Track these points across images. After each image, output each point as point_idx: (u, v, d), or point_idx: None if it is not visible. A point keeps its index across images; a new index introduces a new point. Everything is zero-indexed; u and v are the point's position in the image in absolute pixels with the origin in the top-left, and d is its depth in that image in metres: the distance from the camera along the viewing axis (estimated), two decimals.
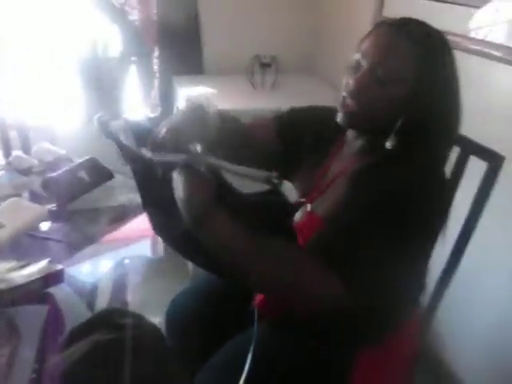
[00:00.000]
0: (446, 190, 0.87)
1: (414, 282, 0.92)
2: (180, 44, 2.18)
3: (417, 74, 0.81)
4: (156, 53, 2.21)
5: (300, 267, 0.75)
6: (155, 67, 2.23)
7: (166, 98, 2.30)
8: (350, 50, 0.90)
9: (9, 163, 1.28)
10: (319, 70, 2.46)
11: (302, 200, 0.96)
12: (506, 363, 1.42)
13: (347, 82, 0.85)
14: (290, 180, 1.03)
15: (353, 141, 0.93)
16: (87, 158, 1.35)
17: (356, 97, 0.83)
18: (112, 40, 2.17)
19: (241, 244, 0.74)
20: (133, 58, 2.23)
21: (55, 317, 0.87)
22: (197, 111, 0.86)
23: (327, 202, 0.90)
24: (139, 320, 0.72)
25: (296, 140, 1.03)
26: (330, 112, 0.97)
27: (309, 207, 0.92)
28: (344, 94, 0.86)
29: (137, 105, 2.33)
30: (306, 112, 1.07)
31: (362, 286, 0.74)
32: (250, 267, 0.74)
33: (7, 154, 1.50)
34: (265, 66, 2.13)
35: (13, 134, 1.69)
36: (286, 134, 1.05)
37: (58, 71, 2.15)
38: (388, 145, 0.83)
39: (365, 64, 0.83)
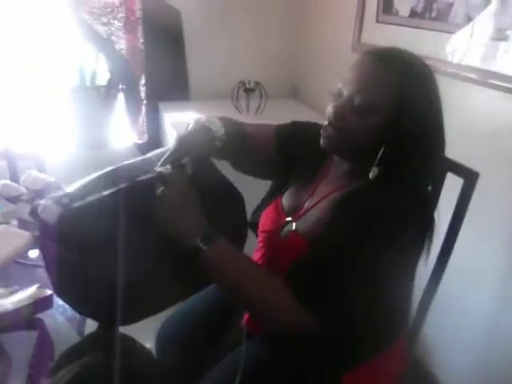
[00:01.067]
0: (429, 210, 0.88)
1: (402, 304, 0.94)
2: (166, 71, 2.22)
3: (395, 103, 0.82)
4: (143, 80, 2.26)
5: (276, 301, 0.81)
6: (142, 94, 2.28)
7: (153, 124, 2.34)
8: (332, 75, 0.94)
9: None
10: (302, 95, 2.53)
11: (287, 219, 0.98)
12: (492, 374, 1.43)
13: (328, 109, 0.88)
14: (284, 193, 1.04)
15: (338, 165, 0.96)
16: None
17: (334, 124, 0.86)
18: (100, 68, 2.21)
19: (236, 269, 0.81)
20: (120, 86, 2.27)
21: (45, 342, 0.87)
22: (204, 125, 0.91)
23: (309, 224, 0.92)
24: (130, 343, 0.73)
25: (291, 154, 1.05)
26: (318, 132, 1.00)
27: (293, 226, 0.95)
28: (326, 119, 0.88)
29: (125, 131, 2.36)
30: (306, 127, 1.08)
31: (337, 324, 0.79)
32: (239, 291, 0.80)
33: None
34: (249, 91, 2.19)
35: (0, 163, 1.70)
36: (283, 147, 1.06)
37: (46, 99, 2.18)
38: (371, 175, 0.85)
39: (345, 92, 0.85)
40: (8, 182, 1.32)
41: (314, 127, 1.07)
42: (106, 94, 2.16)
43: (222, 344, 0.98)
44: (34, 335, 0.86)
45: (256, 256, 1.03)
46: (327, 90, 0.91)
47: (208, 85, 2.36)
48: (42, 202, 0.80)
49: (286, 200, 1.02)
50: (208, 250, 0.78)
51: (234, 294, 0.85)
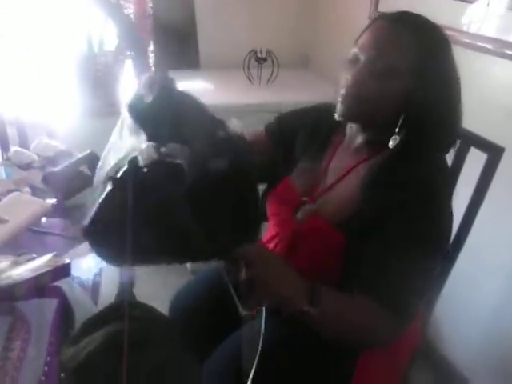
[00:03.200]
0: (451, 183, 0.88)
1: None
2: (176, 38, 2.17)
3: (415, 67, 0.80)
4: (151, 47, 2.21)
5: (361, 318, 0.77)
6: (151, 61, 2.23)
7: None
8: (346, 44, 0.90)
9: (8, 158, 1.27)
10: (315, 65, 2.47)
11: (304, 199, 0.94)
12: (506, 359, 1.44)
13: (345, 76, 0.85)
14: (290, 174, 1.02)
15: (353, 136, 0.93)
16: (87, 152, 1.35)
17: (354, 91, 0.83)
18: (107, 34, 2.15)
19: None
20: (128, 53, 2.21)
21: (64, 310, 0.87)
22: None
23: (332, 204, 0.88)
24: (151, 311, 0.73)
25: (288, 141, 1.03)
26: (325, 108, 0.97)
27: (312, 207, 0.91)
28: (342, 88, 0.85)
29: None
30: (296, 114, 1.07)
31: (410, 313, 0.77)
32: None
33: (6, 149, 1.49)
34: (261, 60, 2.13)
35: (10, 131, 1.68)
36: (278, 137, 1.05)
37: (54, 67, 2.13)
38: (392, 143, 0.83)
39: (362, 58, 0.82)
40: (19, 148, 1.31)
41: (305, 111, 1.06)
42: (114, 60, 2.11)
43: (236, 317, 0.98)
44: (51, 303, 0.86)
45: (268, 237, 1.01)
46: (343, 60, 0.88)
47: (219, 53, 2.31)
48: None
49: (295, 181, 0.99)
50: (316, 312, 0.74)
51: (340, 337, 0.80)
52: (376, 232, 0.78)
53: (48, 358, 0.78)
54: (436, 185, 0.79)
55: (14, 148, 1.30)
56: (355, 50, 0.84)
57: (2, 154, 1.48)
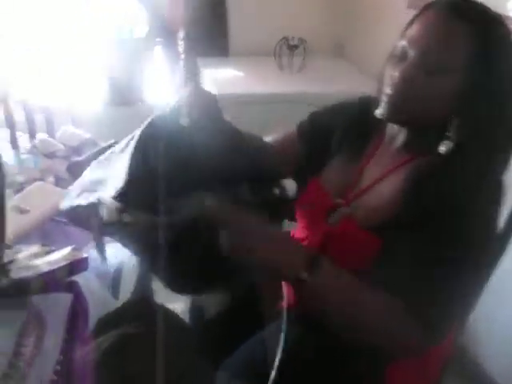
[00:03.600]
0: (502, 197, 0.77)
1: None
2: (206, 25, 2.13)
3: (473, 63, 0.71)
4: (181, 34, 2.17)
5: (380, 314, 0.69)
6: (180, 49, 2.19)
7: (191, 80, 2.26)
8: (383, 34, 0.84)
9: (34, 146, 1.27)
10: (349, 54, 2.38)
11: (338, 201, 0.87)
12: None
13: (391, 72, 0.76)
14: (320, 174, 0.96)
15: (395, 136, 0.85)
16: (112, 141, 1.33)
17: (402, 90, 0.74)
18: (138, 21, 2.13)
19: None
20: (158, 39, 2.19)
21: (80, 305, 0.85)
22: None
23: (370, 206, 0.82)
24: (167, 313, 0.70)
25: (321, 141, 0.96)
26: (364, 103, 0.90)
27: (346, 210, 0.85)
28: (387, 86, 0.77)
29: (161, 87, 2.30)
30: (331, 110, 0.99)
31: (443, 328, 0.70)
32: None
33: (32, 136, 1.49)
34: (292, 48, 2.07)
35: (37, 118, 1.68)
36: (310, 137, 0.98)
37: (82, 53, 2.12)
38: (443, 149, 0.75)
39: (412, 52, 0.74)
40: (45, 137, 1.30)
41: (341, 107, 0.98)
42: (144, 47, 2.09)
43: (258, 319, 0.94)
44: (67, 298, 0.84)
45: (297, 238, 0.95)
46: (376, 50, 0.82)
47: (249, 40, 2.25)
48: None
49: (326, 182, 0.92)
50: (316, 279, 0.66)
51: (345, 323, 0.71)
52: (414, 238, 0.72)
53: (61, 357, 0.76)
54: (485, 198, 0.72)
55: (40, 136, 1.29)
56: (403, 43, 0.75)
57: (30, 141, 1.48)
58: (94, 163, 0.82)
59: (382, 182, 0.83)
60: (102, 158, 0.83)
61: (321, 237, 0.87)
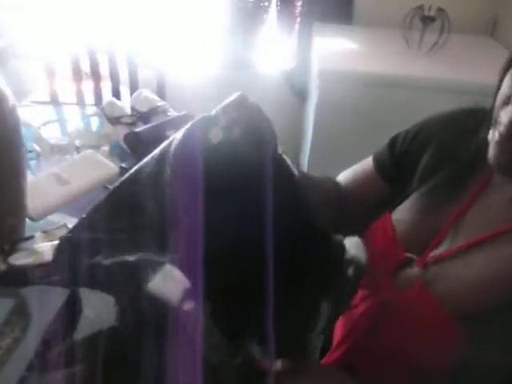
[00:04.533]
0: None
1: None
2: None
3: None
4: None
5: None
6: (297, 11, 1.96)
7: (304, 48, 2.03)
8: None
9: (102, 109, 1.21)
10: (502, 33, 1.90)
11: (411, 257, 0.63)
12: None
13: (508, 117, 0.52)
14: (395, 207, 0.70)
15: (502, 187, 0.59)
16: (183, 113, 1.22)
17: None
18: None
19: None
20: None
21: (73, 304, 0.77)
22: None
23: (463, 280, 0.56)
24: None
25: (405, 174, 0.72)
26: (473, 121, 0.64)
27: (420, 275, 0.60)
28: (504, 125, 0.53)
29: (272, 52, 2.11)
30: (421, 131, 0.73)
31: None
32: None
33: (116, 94, 1.45)
34: (427, 20, 1.70)
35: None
36: (392, 173, 0.75)
37: (188, 12, 2.02)
38: None
39: None
40: (113, 100, 1.23)
41: (440, 121, 0.71)
42: (256, 7, 1.90)
43: None
44: (62, 295, 0.76)
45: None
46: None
47: (377, 8, 1.92)
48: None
49: (399, 223, 0.67)
50: None
51: None
52: None
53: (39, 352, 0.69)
54: None
55: (108, 99, 1.23)
56: None
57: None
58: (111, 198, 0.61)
59: (484, 245, 0.57)
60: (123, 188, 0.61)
61: (379, 302, 0.65)
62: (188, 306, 0.46)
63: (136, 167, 0.58)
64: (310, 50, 1.99)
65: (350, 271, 0.55)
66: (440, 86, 1.55)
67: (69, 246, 0.57)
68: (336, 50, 1.73)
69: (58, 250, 0.61)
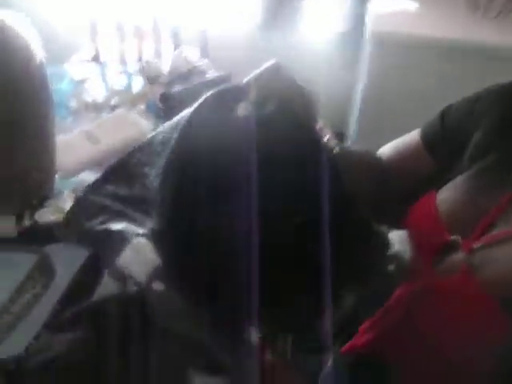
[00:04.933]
0: None
1: None
2: None
3: None
4: None
5: None
6: None
7: (360, 8, 1.91)
8: None
9: (141, 68, 1.18)
10: None
11: (456, 239, 0.59)
12: None
13: None
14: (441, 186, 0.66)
15: None
16: (221, 74, 1.17)
17: None
18: None
19: None
20: None
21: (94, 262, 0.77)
22: None
23: (503, 263, 0.53)
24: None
25: (456, 150, 0.67)
26: None
27: (465, 260, 0.56)
28: None
29: (324, 16, 2.00)
30: (474, 102, 0.68)
31: None
32: None
33: (158, 53, 1.40)
34: None
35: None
36: (440, 149, 0.70)
37: None
38: None
39: None
40: (151, 60, 1.20)
41: (497, 93, 0.65)
42: None
43: None
44: (85, 253, 0.76)
45: None
46: None
47: None
48: None
49: (444, 203, 0.62)
50: None
51: None
52: None
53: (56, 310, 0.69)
54: None
55: (146, 59, 1.20)
56: None
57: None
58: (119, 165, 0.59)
59: None
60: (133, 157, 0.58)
61: (418, 288, 0.60)
62: (157, 285, 0.43)
63: (150, 136, 0.57)
64: (364, 10, 1.87)
65: (391, 267, 0.51)
66: (505, 55, 1.41)
67: (77, 208, 0.56)
68: (392, 11, 1.62)
69: (71, 211, 0.60)
